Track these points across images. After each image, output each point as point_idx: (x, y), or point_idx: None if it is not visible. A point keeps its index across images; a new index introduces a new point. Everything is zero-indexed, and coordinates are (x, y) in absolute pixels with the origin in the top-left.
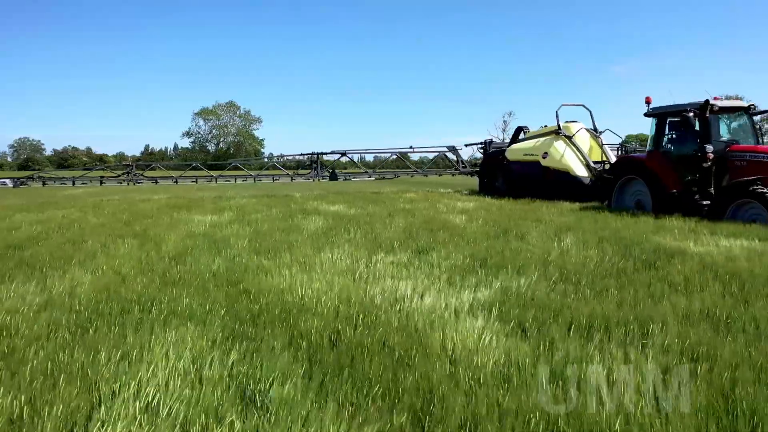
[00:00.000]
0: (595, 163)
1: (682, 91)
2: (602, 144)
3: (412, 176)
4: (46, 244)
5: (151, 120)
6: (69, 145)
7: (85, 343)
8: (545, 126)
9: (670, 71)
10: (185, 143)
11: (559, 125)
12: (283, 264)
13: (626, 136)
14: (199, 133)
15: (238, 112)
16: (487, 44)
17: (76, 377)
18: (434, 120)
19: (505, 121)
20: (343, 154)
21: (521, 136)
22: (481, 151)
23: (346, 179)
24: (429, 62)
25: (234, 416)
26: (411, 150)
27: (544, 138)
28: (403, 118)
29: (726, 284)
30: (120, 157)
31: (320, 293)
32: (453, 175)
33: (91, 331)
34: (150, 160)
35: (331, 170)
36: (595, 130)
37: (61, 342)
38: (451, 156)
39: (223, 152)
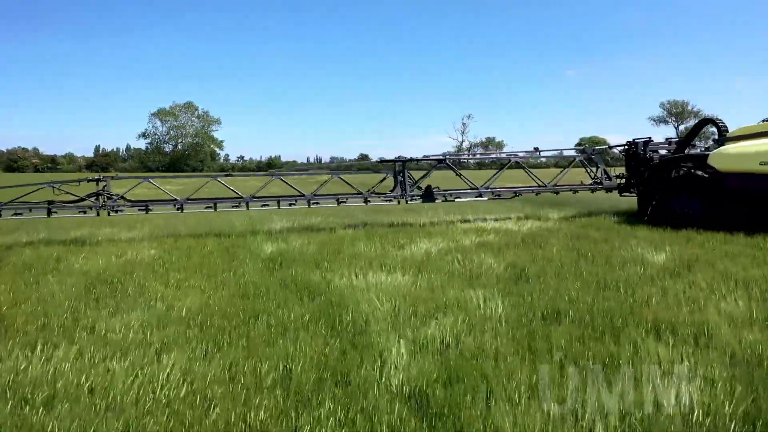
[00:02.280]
0: None
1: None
2: None
3: (537, 194)
4: None
5: (101, 120)
6: (18, 146)
7: None
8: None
9: (619, 77)
10: (140, 144)
11: None
12: None
13: (579, 139)
14: (155, 134)
15: (196, 113)
16: (441, 47)
17: None
18: (389, 123)
19: (464, 124)
20: (442, 160)
21: (709, 134)
22: (623, 155)
23: (445, 200)
24: (381, 65)
25: None
26: (537, 154)
27: None
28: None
29: None
30: (69, 158)
31: None
32: (592, 191)
33: None
34: (106, 162)
35: (426, 187)
36: None
37: None
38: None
39: (180, 154)
